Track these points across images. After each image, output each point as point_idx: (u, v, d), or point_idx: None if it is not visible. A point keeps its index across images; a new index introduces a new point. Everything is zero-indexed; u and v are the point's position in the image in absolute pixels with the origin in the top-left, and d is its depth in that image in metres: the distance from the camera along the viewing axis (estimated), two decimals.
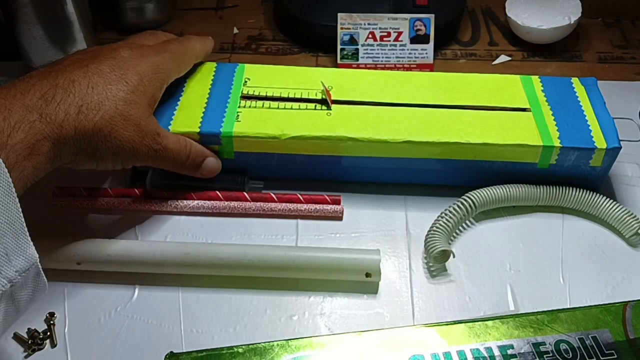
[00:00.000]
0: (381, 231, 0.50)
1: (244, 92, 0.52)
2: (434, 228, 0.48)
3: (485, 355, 0.40)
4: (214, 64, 0.54)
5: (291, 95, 0.52)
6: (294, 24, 0.66)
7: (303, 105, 0.51)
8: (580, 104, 0.52)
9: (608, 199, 0.50)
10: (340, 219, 0.51)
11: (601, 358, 0.40)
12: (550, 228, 0.51)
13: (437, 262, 0.48)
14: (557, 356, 0.40)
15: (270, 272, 0.46)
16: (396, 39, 0.62)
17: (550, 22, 0.64)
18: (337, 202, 0.51)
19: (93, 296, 0.46)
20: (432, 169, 0.51)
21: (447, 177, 0.51)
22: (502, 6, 0.67)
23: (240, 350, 0.40)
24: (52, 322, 0.44)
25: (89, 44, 0.59)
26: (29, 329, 0.44)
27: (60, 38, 0.58)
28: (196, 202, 0.50)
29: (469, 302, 0.46)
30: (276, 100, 0.51)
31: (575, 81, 0.54)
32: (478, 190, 0.50)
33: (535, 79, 0.54)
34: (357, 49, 0.62)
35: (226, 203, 0.50)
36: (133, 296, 0.46)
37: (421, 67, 0.62)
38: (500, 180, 0.50)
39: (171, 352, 0.40)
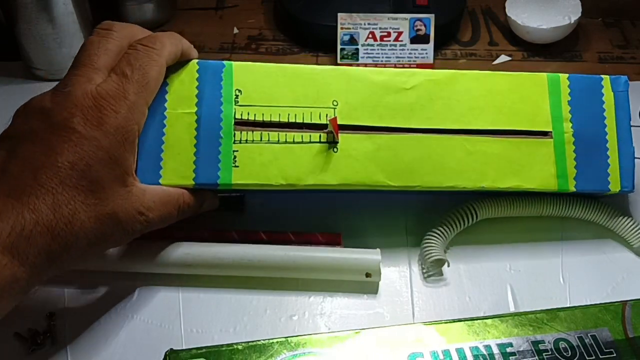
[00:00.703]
0: (381, 231, 0.50)
1: (236, 115, 0.45)
2: (431, 235, 0.48)
3: (485, 353, 0.40)
4: (195, 66, 0.46)
5: (291, 119, 0.46)
6: (294, 24, 0.66)
7: (306, 136, 0.46)
8: (605, 122, 0.49)
9: (615, 211, 0.50)
10: None
11: (600, 357, 0.40)
12: (550, 228, 0.51)
13: (432, 269, 0.48)
14: (557, 354, 0.40)
15: (270, 272, 0.46)
16: (396, 39, 0.62)
17: (550, 22, 0.64)
18: (338, 242, 0.49)
19: (93, 296, 0.46)
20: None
21: (454, 195, 0.50)
22: (502, 6, 0.67)
23: (239, 347, 0.40)
24: (52, 322, 0.44)
25: None
26: (29, 328, 0.44)
27: (60, 38, 0.58)
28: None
29: (469, 302, 0.46)
30: (275, 128, 0.45)
31: (605, 84, 0.49)
32: (482, 200, 0.49)
33: (564, 80, 0.49)
34: (357, 49, 0.62)
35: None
36: (133, 296, 0.46)
37: (421, 67, 0.62)
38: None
39: (171, 349, 0.40)
